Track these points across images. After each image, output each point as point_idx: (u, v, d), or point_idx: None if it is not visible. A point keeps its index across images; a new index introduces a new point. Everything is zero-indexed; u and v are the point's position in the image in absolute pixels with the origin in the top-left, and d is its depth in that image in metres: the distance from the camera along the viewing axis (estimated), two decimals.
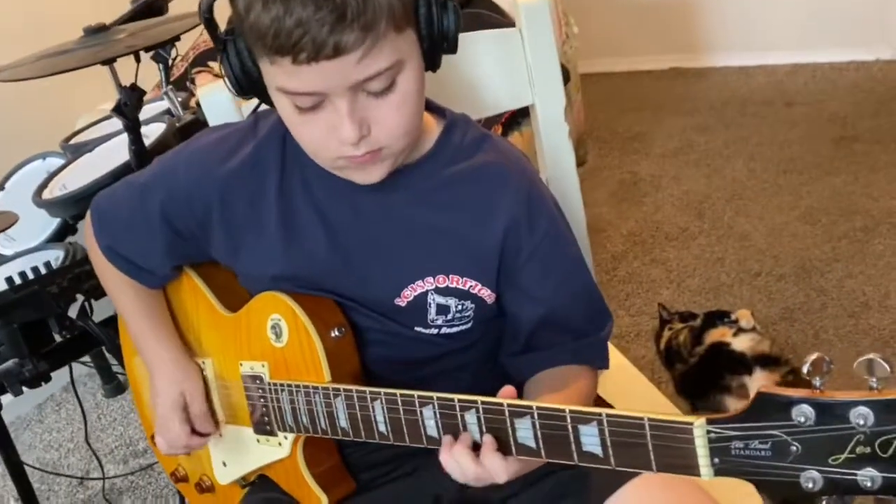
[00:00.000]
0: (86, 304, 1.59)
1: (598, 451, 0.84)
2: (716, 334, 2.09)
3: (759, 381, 1.93)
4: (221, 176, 1.09)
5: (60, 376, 2.11)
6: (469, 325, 1.11)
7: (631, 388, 1.41)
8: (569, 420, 0.85)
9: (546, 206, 1.10)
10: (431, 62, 0.98)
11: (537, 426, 0.88)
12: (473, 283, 1.08)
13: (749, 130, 3.43)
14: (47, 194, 1.79)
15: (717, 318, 2.15)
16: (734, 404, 1.94)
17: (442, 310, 1.09)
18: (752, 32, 3.98)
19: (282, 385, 1.10)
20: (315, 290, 1.09)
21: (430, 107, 1.09)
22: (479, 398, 0.92)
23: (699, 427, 0.76)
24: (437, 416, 0.95)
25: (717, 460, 0.76)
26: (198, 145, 1.15)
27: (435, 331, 1.11)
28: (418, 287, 1.07)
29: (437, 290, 1.07)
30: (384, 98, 0.94)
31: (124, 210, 1.17)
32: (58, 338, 1.64)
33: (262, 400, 1.14)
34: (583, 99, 3.22)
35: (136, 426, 2.54)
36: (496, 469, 0.91)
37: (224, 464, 1.25)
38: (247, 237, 1.10)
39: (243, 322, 1.16)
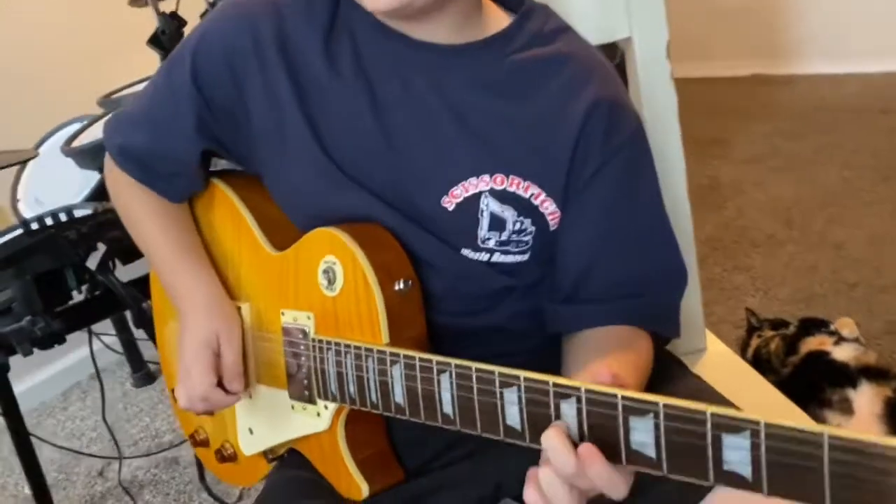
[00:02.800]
0: (109, 261, 1.38)
1: (745, 471, 0.61)
2: (813, 343, 1.83)
3: (866, 396, 1.68)
4: (264, 24, 0.91)
5: (88, 364, 1.93)
6: (526, 256, 0.91)
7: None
8: (709, 425, 0.62)
9: (629, 121, 0.91)
10: None
11: (661, 429, 0.64)
12: (536, 190, 0.88)
13: (842, 138, 3.16)
14: (77, 144, 1.59)
15: (815, 326, 1.88)
16: (836, 419, 1.70)
17: (496, 224, 0.89)
18: (842, 38, 3.72)
19: (328, 343, 0.89)
20: (352, 184, 0.89)
21: (508, 4, 0.95)
22: (583, 384, 0.69)
23: None
24: (523, 401, 0.72)
25: None
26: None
27: (486, 256, 0.90)
28: (471, 186, 0.88)
29: (494, 194, 0.88)
30: None
31: (146, 97, 1.00)
32: (77, 298, 1.44)
33: (302, 358, 0.92)
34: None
35: (163, 418, 2.33)
36: (608, 480, 0.67)
37: (251, 431, 1.04)
38: (285, 106, 0.91)
39: (291, 263, 0.94)
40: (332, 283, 0.88)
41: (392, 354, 0.82)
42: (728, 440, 0.61)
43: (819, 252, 2.50)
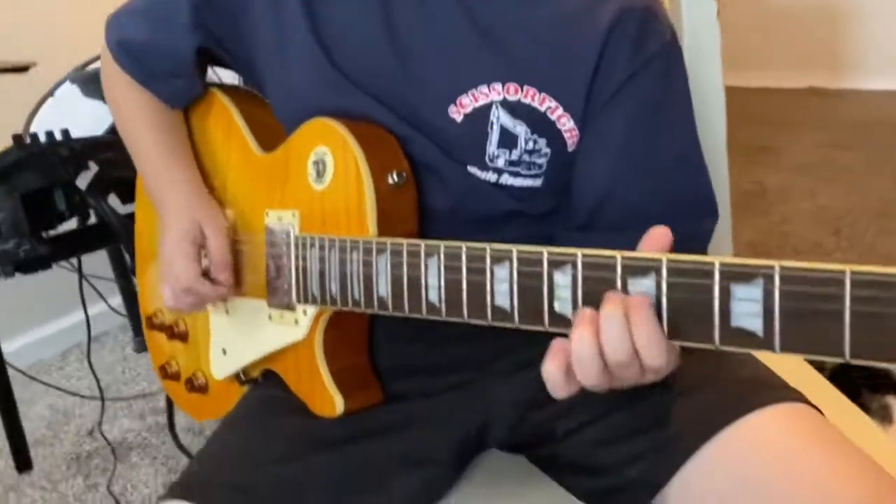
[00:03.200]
0: (103, 188, 1.33)
1: (755, 325, 0.55)
2: None
3: None
4: None
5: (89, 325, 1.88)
6: (538, 181, 0.85)
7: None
8: (717, 277, 0.57)
9: (662, 32, 0.84)
10: None
11: (664, 286, 0.59)
12: (553, 103, 0.82)
13: None
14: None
15: None
16: None
17: (507, 140, 0.83)
18: None
19: (312, 239, 0.84)
20: (354, 88, 0.85)
21: None
22: (580, 250, 0.64)
23: None
24: (514, 276, 0.67)
25: None
26: None
27: (494, 176, 0.85)
28: (482, 94, 0.83)
29: (506, 105, 0.82)
30: None
31: None
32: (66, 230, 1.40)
33: (284, 259, 0.87)
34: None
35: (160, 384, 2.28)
36: (655, 347, 0.60)
37: (224, 351, 0.98)
38: (286, 2, 0.86)
39: (280, 160, 0.91)
40: (321, 174, 0.84)
41: (378, 243, 0.78)
42: (738, 290, 0.56)
43: (867, 262, 2.44)
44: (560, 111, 0.83)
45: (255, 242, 0.93)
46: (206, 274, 0.93)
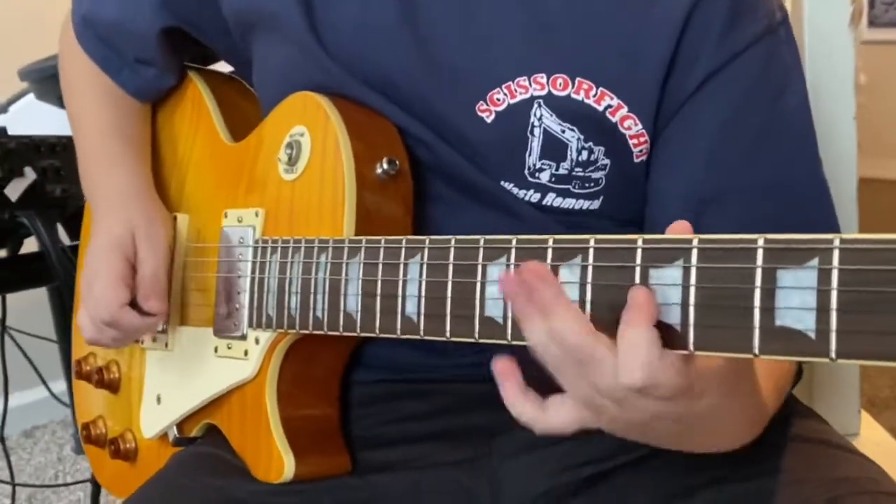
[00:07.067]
0: (39, 200, 1.29)
1: (807, 323, 0.51)
2: None
3: None
4: None
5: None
6: (596, 202, 0.79)
7: None
8: (760, 256, 0.53)
9: (763, 9, 0.78)
10: None
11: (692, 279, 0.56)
12: (615, 101, 0.76)
13: None
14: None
15: None
16: None
17: (553, 148, 0.77)
18: None
19: (274, 242, 0.81)
20: (350, 78, 0.81)
21: None
22: (593, 236, 0.61)
23: None
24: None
25: None
26: None
27: (536, 195, 0.79)
28: (520, 88, 0.77)
29: (551, 103, 0.77)
30: None
31: None
32: None
33: (238, 273, 0.84)
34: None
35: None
36: (662, 372, 0.55)
37: (158, 399, 0.95)
38: None
39: (250, 150, 0.87)
40: (293, 161, 0.82)
41: (353, 243, 0.74)
42: (785, 276, 0.53)
43: None
44: (625, 111, 0.77)
45: (209, 252, 0.88)
46: (135, 301, 0.88)
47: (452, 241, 0.68)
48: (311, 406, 0.84)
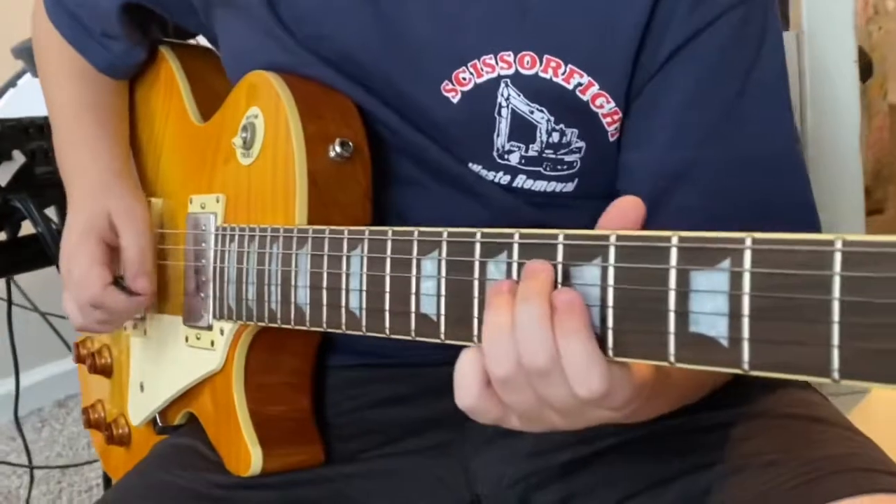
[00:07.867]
0: (30, 190, 1.31)
1: (719, 329, 0.49)
2: None
3: None
4: None
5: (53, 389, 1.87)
6: (570, 184, 0.77)
7: None
8: (674, 256, 0.51)
9: None
10: None
11: (610, 271, 0.53)
12: (585, 79, 0.73)
13: None
14: None
15: None
16: None
17: (521, 129, 0.75)
18: None
19: (232, 231, 0.81)
20: (313, 58, 0.80)
21: None
22: (517, 231, 0.60)
23: None
24: (443, 266, 0.64)
25: None
26: None
27: (505, 177, 0.77)
28: (486, 67, 0.75)
29: (517, 81, 0.74)
30: None
31: None
32: None
33: (203, 261, 0.85)
34: (893, 118, 2.73)
35: None
36: (584, 367, 0.53)
37: (142, 387, 0.97)
38: None
39: (214, 131, 0.86)
40: (248, 145, 0.81)
41: (300, 231, 0.73)
42: (698, 278, 0.51)
43: None
44: (595, 88, 0.75)
45: (178, 238, 0.88)
46: (118, 281, 0.90)
47: (389, 233, 0.66)
48: (280, 397, 0.83)
